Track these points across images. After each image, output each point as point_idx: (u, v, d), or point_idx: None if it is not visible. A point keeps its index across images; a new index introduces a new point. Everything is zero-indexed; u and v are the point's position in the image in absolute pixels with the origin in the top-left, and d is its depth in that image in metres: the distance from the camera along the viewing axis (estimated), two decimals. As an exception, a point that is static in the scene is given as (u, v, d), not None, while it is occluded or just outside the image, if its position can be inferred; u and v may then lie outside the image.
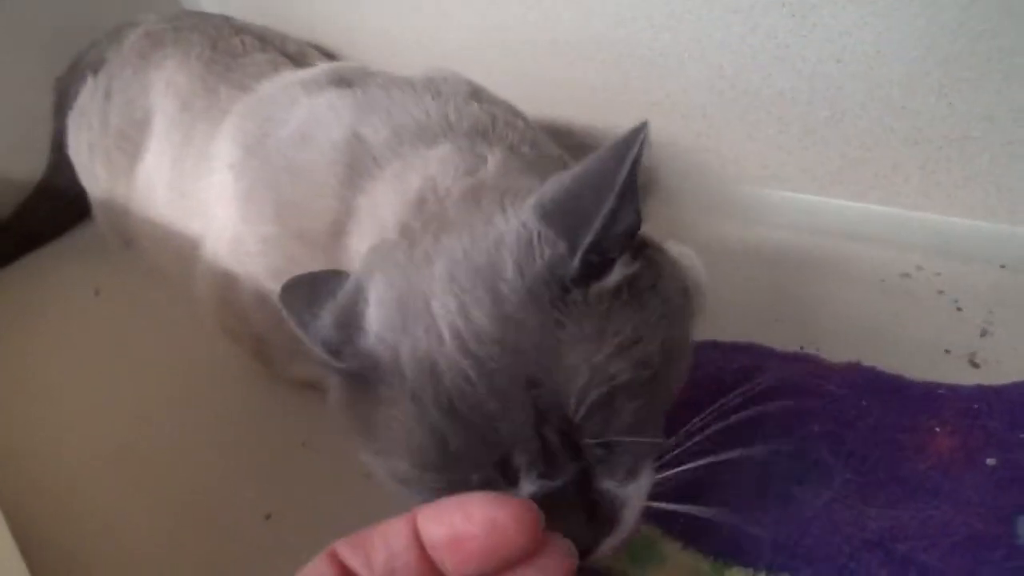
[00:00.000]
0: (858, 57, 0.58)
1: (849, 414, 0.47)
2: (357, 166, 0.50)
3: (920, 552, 0.38)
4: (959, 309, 0.55)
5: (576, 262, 0.35)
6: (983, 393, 0.47)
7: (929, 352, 0.52)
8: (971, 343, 0.52)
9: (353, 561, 0.27)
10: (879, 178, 0.63)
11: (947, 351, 0.52)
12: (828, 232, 0.65)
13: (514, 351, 0.34)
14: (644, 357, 0.36)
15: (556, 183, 0.38)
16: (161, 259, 0.73)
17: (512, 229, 0.37)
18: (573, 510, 0.36)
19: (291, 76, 0.66)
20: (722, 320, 0.58)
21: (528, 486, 0.35)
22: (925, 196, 0.61)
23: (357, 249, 0.47)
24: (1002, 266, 0.58)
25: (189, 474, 0.59)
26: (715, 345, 0.54)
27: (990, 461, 0.43)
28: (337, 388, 0.41)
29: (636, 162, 0.35)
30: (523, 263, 0.36)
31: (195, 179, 0.65)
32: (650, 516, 0.44)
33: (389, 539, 0.28)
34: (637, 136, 0.35)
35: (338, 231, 0.50)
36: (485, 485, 0.35)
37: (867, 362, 0.50)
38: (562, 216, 0.36)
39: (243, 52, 0.72)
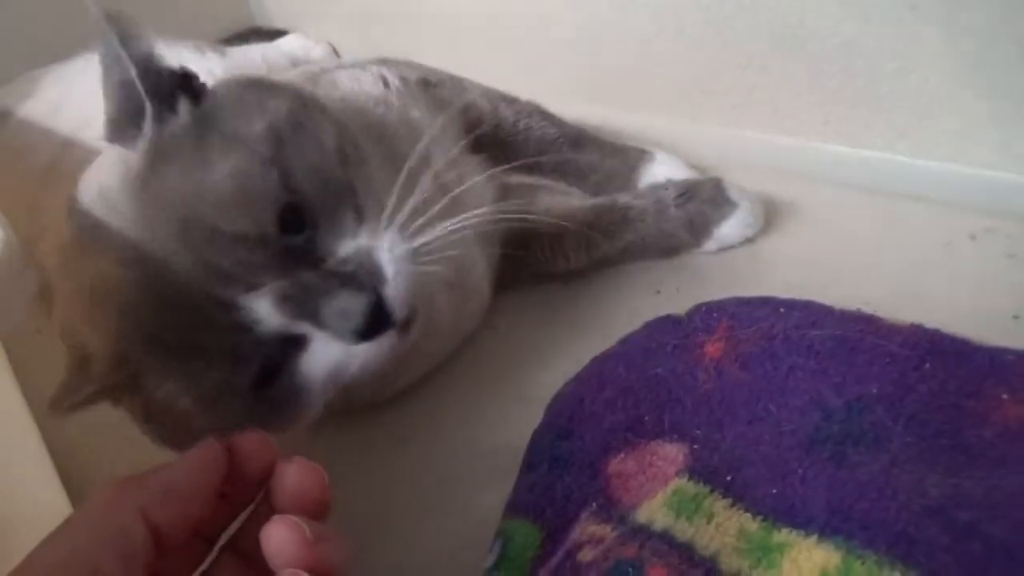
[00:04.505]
0: (934, 4, 0.54)
1: (910, 376, 0.44)
2: None
3: (985, 522, 0.36)
4: (1030, 274, 0.52)
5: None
6: (1056, 361, 0.44)
7: (997, 318, 0.49)
8: (1042, 310, 0.49)
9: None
10: (949, 135, 0.59)
11: (1016, 317, 0.49)
12: (891, 191, 0.61)
13: None
14: None
15: None
16: None
17: None
18: (326, 287, 0.38)
19: None
20: (780, 278, 0.55)
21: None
22: (998, 154, 0.57)
23: None
24: (1077, 231, 0.54)
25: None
26: (768, 301, 0.51)
27: (1063, 433, 0.40)
28: None
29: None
30: None
31: None
32: (696, 472, 0.42)
33: None
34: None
35: None
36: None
37: (930, 325, 0.47)
38: None
39: None
